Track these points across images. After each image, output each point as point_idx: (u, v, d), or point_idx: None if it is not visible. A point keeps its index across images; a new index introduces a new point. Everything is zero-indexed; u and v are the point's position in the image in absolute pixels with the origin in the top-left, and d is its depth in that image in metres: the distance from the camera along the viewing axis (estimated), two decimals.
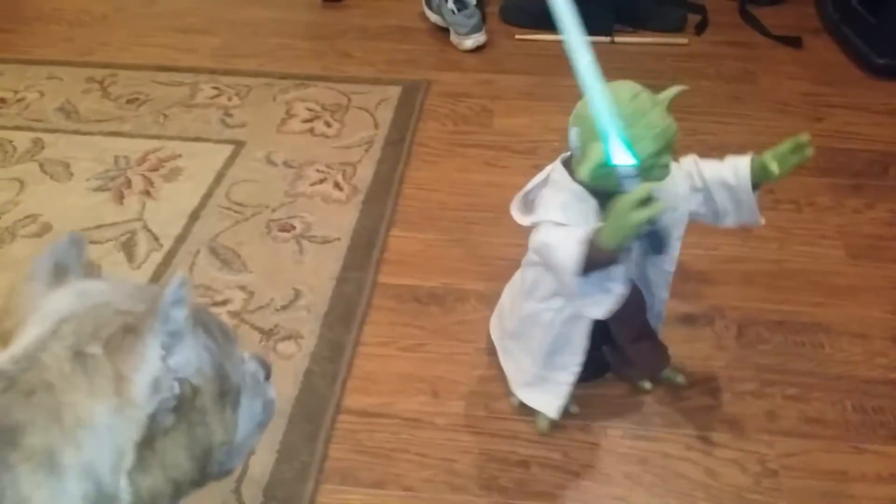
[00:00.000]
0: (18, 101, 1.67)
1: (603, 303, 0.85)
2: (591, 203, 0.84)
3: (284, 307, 1.17)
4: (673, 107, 0.80)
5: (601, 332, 0.94)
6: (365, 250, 1.28)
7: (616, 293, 0.85)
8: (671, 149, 0.81)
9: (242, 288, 1.21)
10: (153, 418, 0.50)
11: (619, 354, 1.01)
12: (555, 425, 1.00)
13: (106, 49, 1.90)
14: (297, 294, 1.19)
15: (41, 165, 1.47)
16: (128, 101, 1.68)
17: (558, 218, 0.83)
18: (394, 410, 1.03)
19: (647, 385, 1.04)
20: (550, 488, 0.94)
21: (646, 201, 0.76)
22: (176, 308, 0.51)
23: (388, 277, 1.24)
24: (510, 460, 0.97)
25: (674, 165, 0.86)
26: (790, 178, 1.42)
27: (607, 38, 1.88)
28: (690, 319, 1.16)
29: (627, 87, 0.80)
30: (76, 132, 1.57)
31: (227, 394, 0.57)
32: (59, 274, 0.56)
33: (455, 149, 1.55)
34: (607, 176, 0.78)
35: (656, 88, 0.80)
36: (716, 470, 0.96)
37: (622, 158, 0.76)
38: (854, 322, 1.16)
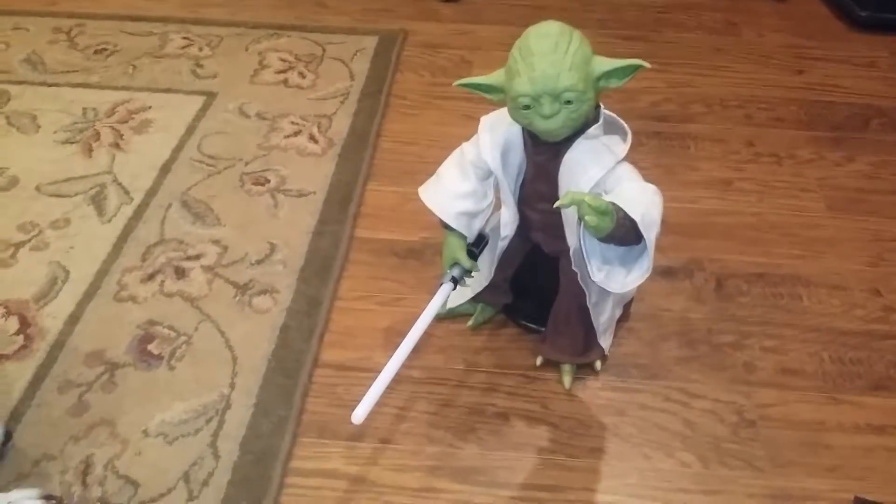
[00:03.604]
0: None
1: None
2: (516, 129, 0.87)
3: (259, 261, 1.15)
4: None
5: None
6: (341, 204, 1.25)
7: None
8: (559, 102, 0.75)
9: (216, 242, 1.18)
10: None
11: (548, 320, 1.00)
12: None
13: None
14: (273, 248, 1.17)
15: (7, 118, 1.42)
16: (95, 52, 1.63)
17: (484, 133, 0.88)
18: (371, 364, 1.02)
19: (539, 360, 1.02)
20: (529, 440, 0.94)
21: None
22: None
23: (366, 231, 1.22)
24: (489, 412, 0.97)
25: (598, 161, 0.81)
26: (771, 131, 1.46)
27: None
28: (670, 273, 1.16)
29: (552, 27, 0.76)
30: (43, 84, 1.52)
31: None
32: None
33: (433, 101, 1.52)
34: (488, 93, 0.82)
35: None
36: (693, 421, 0.96)
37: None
38: (832, 274, 1.16)
